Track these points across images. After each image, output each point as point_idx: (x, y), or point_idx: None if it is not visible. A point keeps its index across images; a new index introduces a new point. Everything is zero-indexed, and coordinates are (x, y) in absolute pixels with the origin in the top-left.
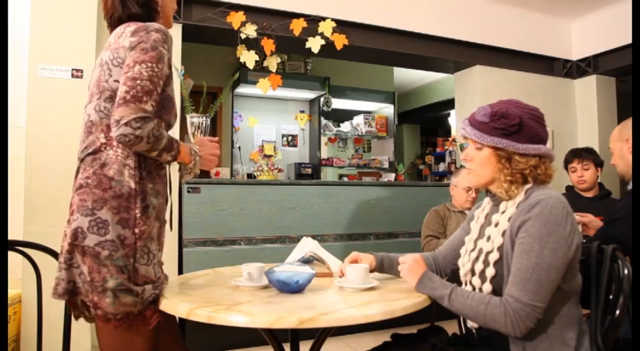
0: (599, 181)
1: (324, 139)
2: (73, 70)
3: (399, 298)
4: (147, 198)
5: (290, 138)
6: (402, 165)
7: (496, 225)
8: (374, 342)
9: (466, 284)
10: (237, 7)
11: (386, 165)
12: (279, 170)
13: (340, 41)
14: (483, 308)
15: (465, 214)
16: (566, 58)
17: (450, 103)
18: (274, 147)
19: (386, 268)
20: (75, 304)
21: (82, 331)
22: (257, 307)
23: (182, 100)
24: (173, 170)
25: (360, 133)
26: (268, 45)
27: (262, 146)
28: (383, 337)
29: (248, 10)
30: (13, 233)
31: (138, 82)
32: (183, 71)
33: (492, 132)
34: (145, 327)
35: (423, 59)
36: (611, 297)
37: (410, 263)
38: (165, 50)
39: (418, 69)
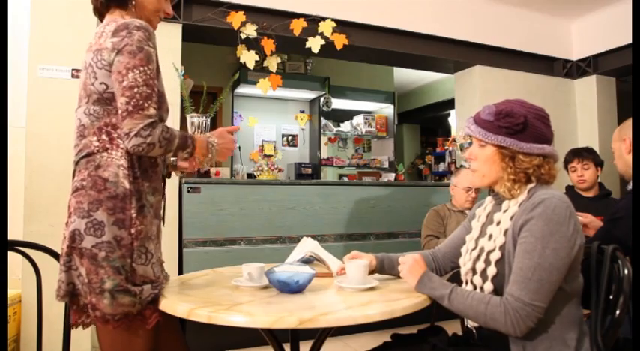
0: (599, 181)
1: (324, 139)
2: (73, 70)
3: (399, 298)
4: (142, 197)
5: (290, 138)
6: (402, 165)
7: (498, 224)
8: (374, 342)
9: (467, 283)
10: (237, 7)
11: (386, 165)
12: (279, 170)
13: (340, 41)
14: (483, 307)
15: (465, 214)
16: (566, 58)
17: (450, 103)
18: (274, 147)
19: (387, 268)
20: (78, 306)
21: (82, 331)
22: (257, 307)
23: (182, 100)
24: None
25: (360, 133)
26: (268, 45)
27: (262, 146)
28: (383, 337)
29: (248, 10)
30: (13, 233)
31: (135, 90)
32: (183, 71)
33: (497, 130)
34: (144, 327)
35: (423, 59)
36: (611, 297)
37: (410, 263)
38: (151, 48)
39: (418, 69)
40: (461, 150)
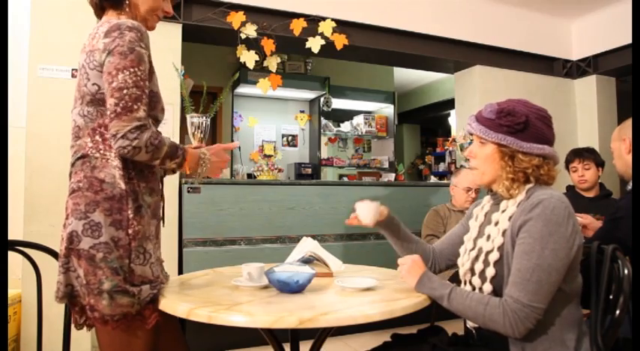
0: (600, 181)
1: (324, 139)
2: (73, 70)
3: (399, 298)
4: (139, 198)
5: (290, 138)
6: (402, 165)
7: (496, 224)
8: (374, 342)
9: (465, 284)
10: (237, 7)
11: (386, 165)
12: (279, 170)
13: (340, 41)
14: (482, 308)
15: (464, 214)
16: (566, 58)
17: (450, 103)
18: (274, 147)
19: (393, 227)
20: (77, 307)
21: (82, 331)
22: (257, 307)
23: (182, 100)
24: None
25: (360, 133)
26: (268, 45)
27: (262, 146)
28: (383, 337)
29: (248, 10)
30: (13, 233)
31: (125, 91)
32: (183, 71)
33: (497, 128)
34: (143, 327)
35: (423, 59)
36: (611, 297)
37: (409, 264)
38: (143, 49)
39: (418, 69)
40: (461, 150)
